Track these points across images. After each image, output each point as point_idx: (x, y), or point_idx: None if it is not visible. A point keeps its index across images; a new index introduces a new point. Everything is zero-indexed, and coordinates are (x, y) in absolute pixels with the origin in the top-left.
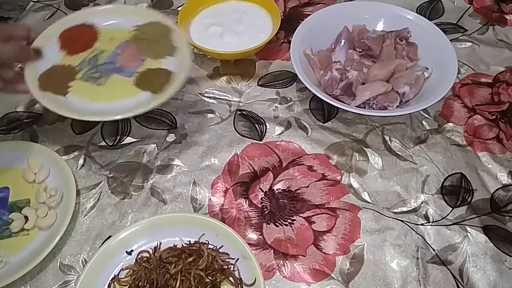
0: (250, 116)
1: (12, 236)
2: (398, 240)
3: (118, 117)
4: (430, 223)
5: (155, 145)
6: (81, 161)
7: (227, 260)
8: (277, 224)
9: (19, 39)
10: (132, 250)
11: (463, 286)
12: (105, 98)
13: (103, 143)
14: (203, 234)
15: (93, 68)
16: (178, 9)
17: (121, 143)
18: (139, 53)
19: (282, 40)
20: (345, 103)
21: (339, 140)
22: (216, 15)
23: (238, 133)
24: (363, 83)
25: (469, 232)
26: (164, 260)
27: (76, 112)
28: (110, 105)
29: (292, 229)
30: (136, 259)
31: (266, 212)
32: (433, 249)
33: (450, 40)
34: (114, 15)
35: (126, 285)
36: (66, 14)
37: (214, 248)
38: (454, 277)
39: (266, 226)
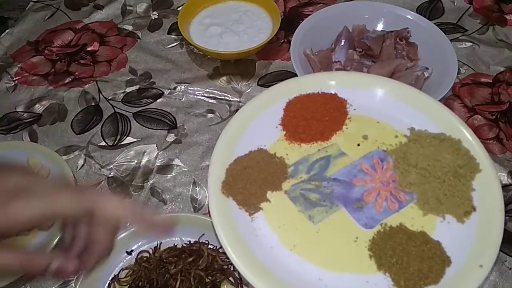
0: None
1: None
2: None
3: None
4: None
5: (155, 145)
6: (81, 161)
7: (227, 260)
8: None
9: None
10: (132, 250)
11: None
12: (310, 253)
13: (103, 143)
14: (203, 234)
15: (315, 180)
16: (178, 9)
17: (121, 143)
18: (403, 184)
19: (282, 40)
20: None
21: None
22: (216, 15)
23: None
24: None
25: None
26: (164, 260)
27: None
28: (321, 273)
29: None
30: (136, 259)
31: None
32: None
33: (450, 40)
34: (391, 97)
35: (126, 285)
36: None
37: (214, 248)
38: None
39: None
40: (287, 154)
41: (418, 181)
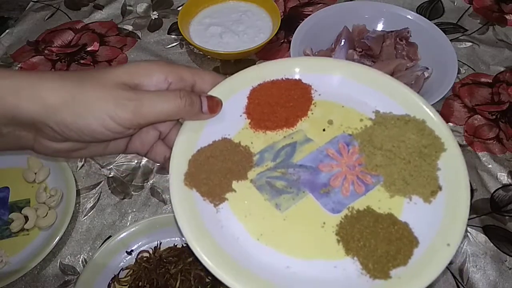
0: None
1: (12, 236)
2: None
3: None
4: None
5: None
6: (81, 161)
7: None
8: None
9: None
10: (132, 250)
11: (463, 286)
12: (278, 242)
13: None
14: None
15: (281, 167)
16: (178, 9)
17: None
18: (369, 167)
19: (282, 40)
20: None
21: None
22: (216, 15)
23: None
24: None
25: (469, 232)
26: (164, 260)
27: (229, 269)
28: (287, 260)
29: None
30: (136, 259)
31: None
32: None
33: (450, 40)
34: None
35: (126, 285)
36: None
37: None
38: (454, 277)
39: None
40: (252, 143)
41: (384, 163)
